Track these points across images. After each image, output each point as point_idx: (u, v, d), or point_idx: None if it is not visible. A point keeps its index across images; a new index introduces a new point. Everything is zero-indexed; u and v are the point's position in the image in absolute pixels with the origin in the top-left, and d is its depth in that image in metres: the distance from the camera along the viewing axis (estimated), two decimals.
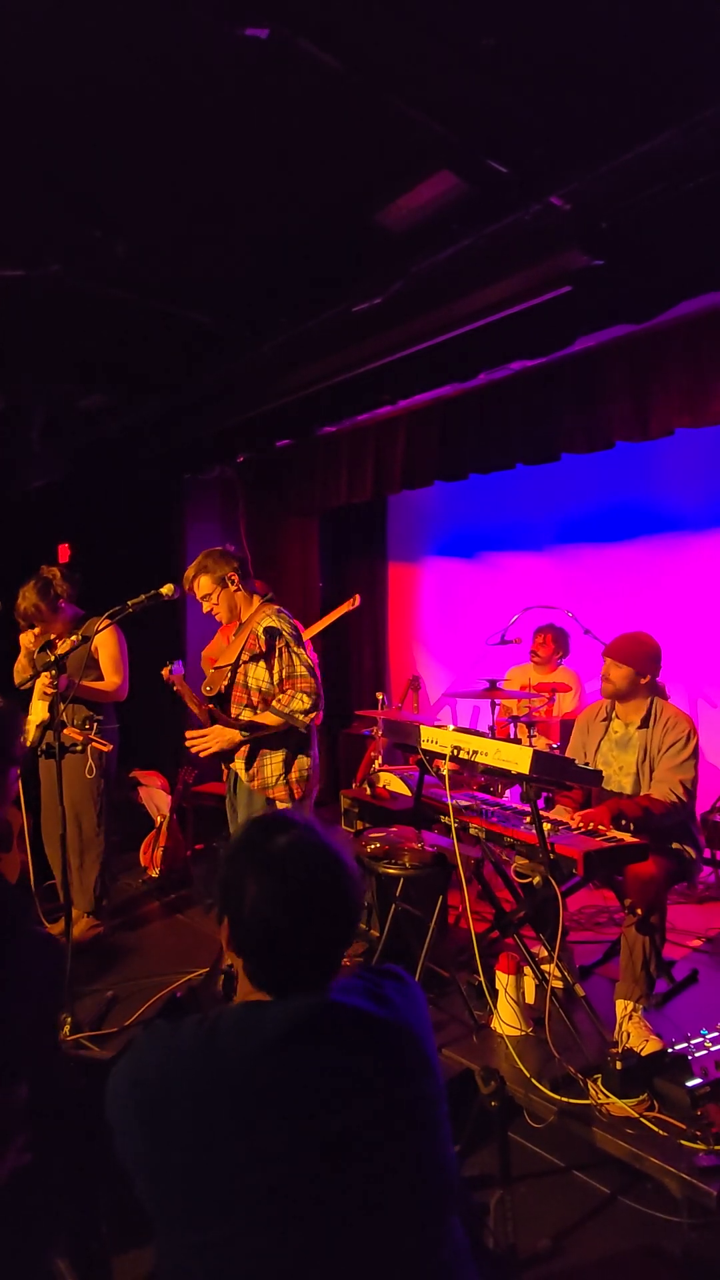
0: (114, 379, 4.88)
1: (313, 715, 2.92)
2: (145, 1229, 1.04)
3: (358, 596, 5.13)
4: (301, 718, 2.90)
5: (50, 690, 3.08)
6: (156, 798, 4.88)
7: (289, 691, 2.93)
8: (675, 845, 2.97)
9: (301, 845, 1.16)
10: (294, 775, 3.01)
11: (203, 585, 3.09)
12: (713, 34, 2.18)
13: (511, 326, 3.51)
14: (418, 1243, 1.06)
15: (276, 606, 3.08)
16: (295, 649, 2.96)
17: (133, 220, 3.10)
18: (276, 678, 2.97)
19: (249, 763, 3.03)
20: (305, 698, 2.91)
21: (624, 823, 2.79)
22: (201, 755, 3.06)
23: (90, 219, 3.07)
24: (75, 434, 5.65)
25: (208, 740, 3.01)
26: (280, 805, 2.99)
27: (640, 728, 3.09)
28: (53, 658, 3.05)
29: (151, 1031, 1.13)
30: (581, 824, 2.82)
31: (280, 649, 2.97)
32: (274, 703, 2.95)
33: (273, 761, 3.01)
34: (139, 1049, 1.11)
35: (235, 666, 3.05)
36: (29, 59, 2.25)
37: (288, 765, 3.01)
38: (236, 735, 2.96)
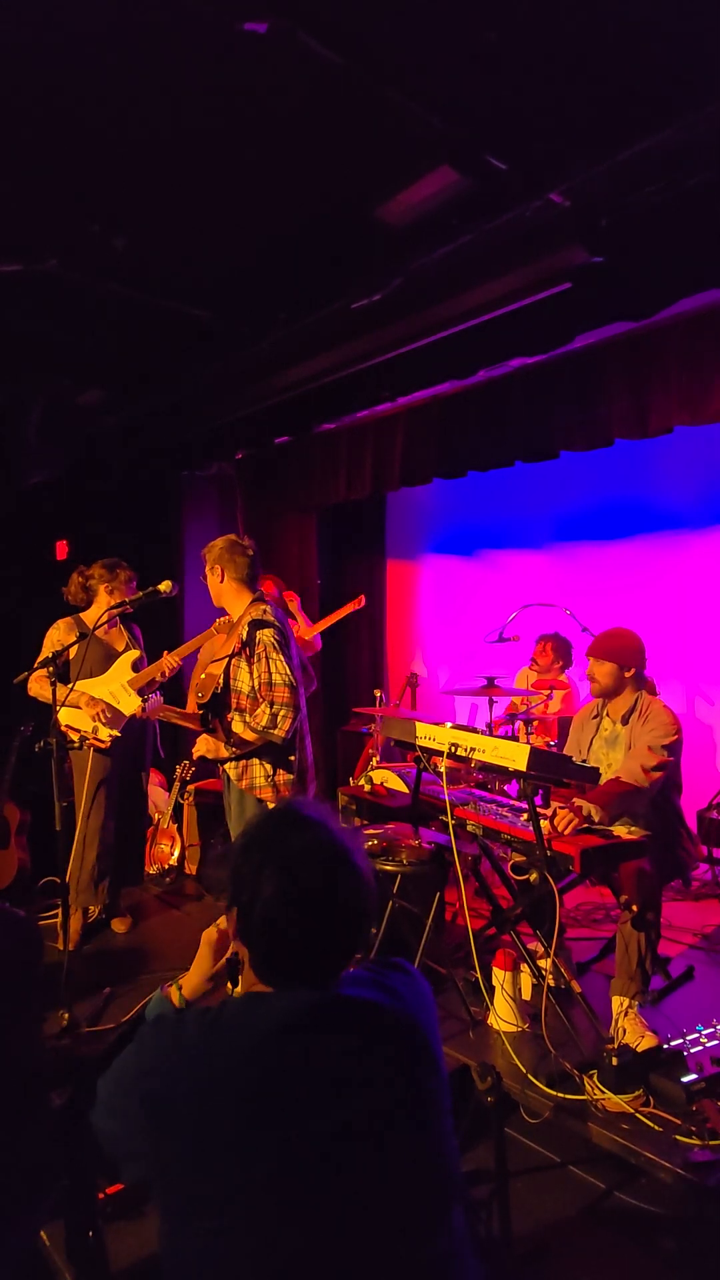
0: (112, 375, 4.87)
1: (286, 727, 2.89)
2: (138, 1207, 1.04)
3: (363, 597, 5.16)
4: (275, 733, 2.89)
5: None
6: (154, 795, 4.88)
7: (262, 706, 2.91)
8: (670, 843, 2.98)
9: (316, 846, 1.15)
10: (280, 777, 3.01)
11: (206, 561, 3.15)
12: (713, 31, 2.18)
13: (511, 323, 3.50)
14: (419, 1233, 1.07)
15: (264, 606, 3.06)
16: (274, 655, 2.91)
17: (131, 215, 3.09)
18: (256, 682, 2.96)
19: (237, 764, 3.05)
20: (278, 714, 2.88)
21: (596, 818, 2.75)
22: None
23: (88, 213, 3.06)
24: (73, 430, 5.64)
25: (196, 745, 3.10)
26: (269, 806, 2.98)
27: (624, 724, 3.09)
28: (50, 655, 3.05)
29: (156, 1023, 1.13)
30: (549, 828, 2.76)
31: (260, 653, 2.94)
32: (249, 718, 2.94)
33: (260, 763, 3.01)
34: (145, 1040, 1.12)
35: (226, 669, 3.07)
36: (24, 53, 2.24)
37: (275, 767, 3.01)
38: (223, 751, 3.00)
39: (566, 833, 2.70)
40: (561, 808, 2.80)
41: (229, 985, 1.35)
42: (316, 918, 1.12)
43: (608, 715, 3.18)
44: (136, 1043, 1.12)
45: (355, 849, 1.18)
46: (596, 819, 2.76)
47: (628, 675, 3.07)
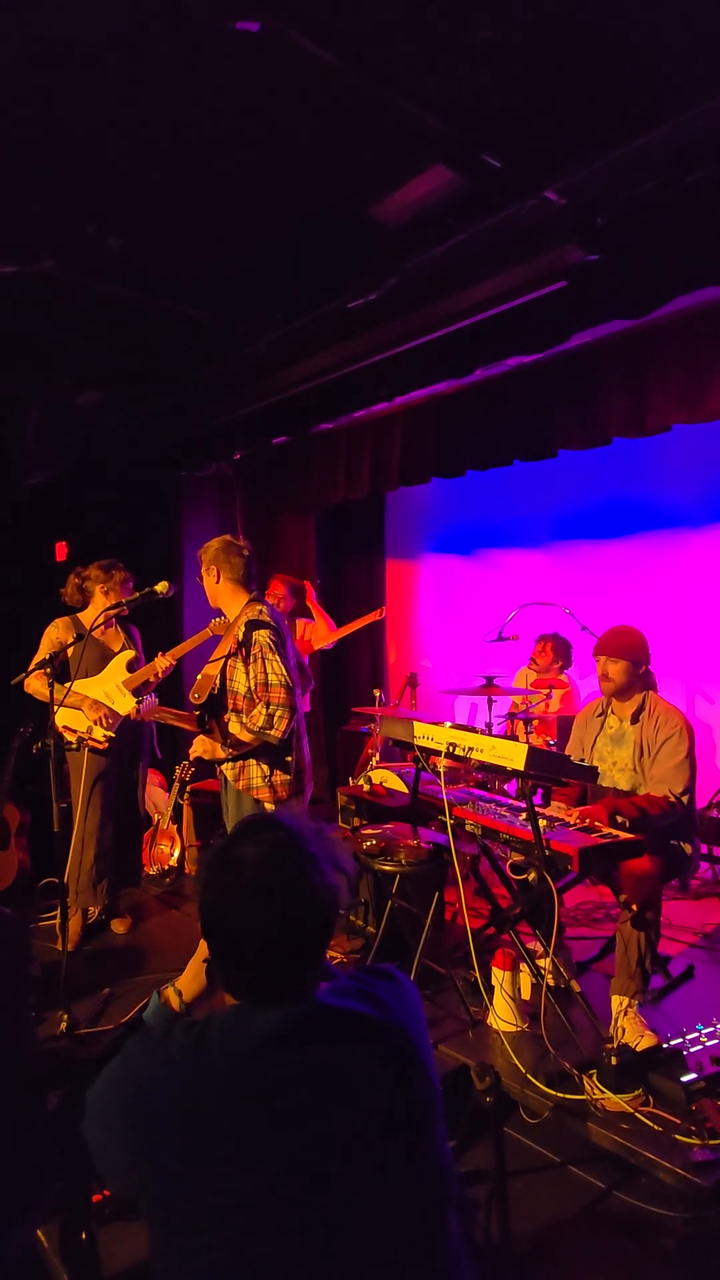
0: (111, 375, 4.87)
1: (283, 728, 2.88)
2: (135, 1209, 1.04)
3: (382, 609, 5.27)
4: (272, 734, 2.88)
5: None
6: (154, 796, 4.88)
7: (259, 706, 2.91)
8: (672, 842, 2.97)
9: (268, 855, 1.12)
10: (278, 777, 3.00)
11: (202, 562, 3.16)
12: (709, 28, 2.17)
13: (508, 322, 3.50)
14: (415, 1244, 1.06)
15: (260, 606, 3.06)
16: (270, 655, 2.91)
17: (127, 215, 3.09)
18: (253, 682, 2.95)
19: (234, 765, 3.05)
20: (274, 714, 2.87)
21: (619, 820, 2.79)
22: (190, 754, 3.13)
23: (83, 214, 3.06)
24: (71, 431, 5.64)
25: (193, 746, 3.09)
26: (267, 806, 2.98)
27: (633, 723, 3.09)
28: (48, 655, 3.05)
29: (142, 1036, 1.12)
30: (578, 820, 2.81)
31: (256, 654, 2.93)
32: (246, 719, 2.94)
33: (257, 764, 3.01)
34: (131, 1053, 1.11)
35: (223, 670, 3.07)
36: (19, 54, 2.24)
37: (272, 767, 3.01)
38: (220, 752, 2.99)
39: (592, 822, 2.76)
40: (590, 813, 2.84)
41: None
42: (263, 922, 1.09)
43: (613, 713, 3.19)
44: (122, 1056, 1.11)
45: (319, 856, 1.13)
46: (619, 820, 2.81)
47: (640, 672, 3.10)
